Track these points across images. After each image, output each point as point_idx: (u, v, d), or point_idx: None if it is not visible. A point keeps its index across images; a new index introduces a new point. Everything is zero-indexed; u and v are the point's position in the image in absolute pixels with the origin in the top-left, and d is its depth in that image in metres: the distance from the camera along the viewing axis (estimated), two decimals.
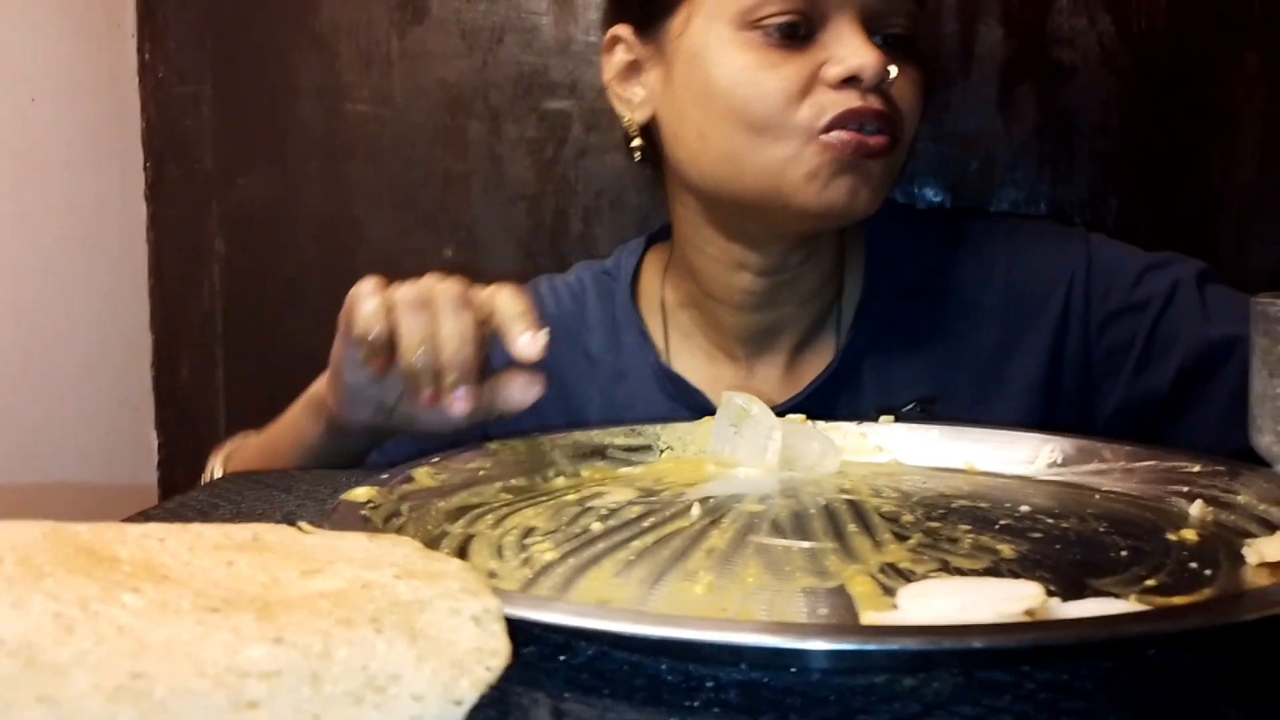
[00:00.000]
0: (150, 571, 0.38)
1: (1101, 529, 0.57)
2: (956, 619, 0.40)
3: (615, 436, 0.76)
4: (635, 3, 0.86)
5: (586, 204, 1.31)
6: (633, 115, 0.88)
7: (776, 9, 0.79)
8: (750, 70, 0.79)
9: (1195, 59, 1.19)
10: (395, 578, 0.39)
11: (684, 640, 0.36)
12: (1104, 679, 0.38)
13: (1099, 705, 0.36)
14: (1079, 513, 0.60)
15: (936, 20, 1.22)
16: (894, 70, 0.79)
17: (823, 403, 0.88)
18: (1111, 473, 0.68)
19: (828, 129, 0.78)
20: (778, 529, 0.57)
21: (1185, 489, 0.63)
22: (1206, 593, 0.47)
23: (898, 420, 0.78)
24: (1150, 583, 0.48)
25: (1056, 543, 0.54)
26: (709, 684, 0.38)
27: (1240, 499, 0.59)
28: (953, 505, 0.62)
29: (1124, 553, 0.53)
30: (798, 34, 0.79)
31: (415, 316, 0.67)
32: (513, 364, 0.69)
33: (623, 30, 0.88)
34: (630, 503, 0.63)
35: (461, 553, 0.54)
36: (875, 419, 0.78)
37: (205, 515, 0.63)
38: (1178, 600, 0.46)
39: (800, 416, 0.77)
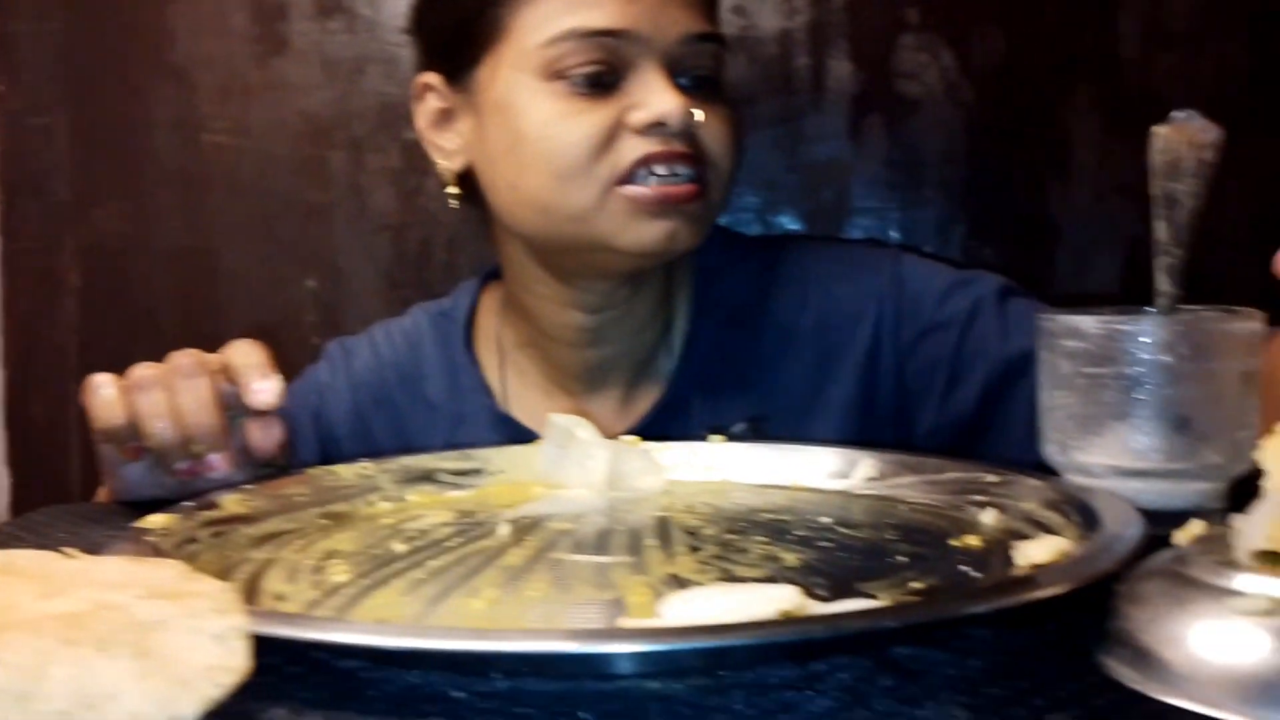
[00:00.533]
0: None
1: (891, 538, 0.59)
2: (702, 622, 0.41)
3: (445, 461, 0.76)
4: (443, 52, 0.87)
5: (451, 234, 1.32)
6: (448, 163, 0.89)
7: (580, 59, 0.80)
8: (556, 120, 0.80)
9: (1033, 93, 1.25)
10: (138, 599, 0.39)
11: (398, 649, 0.37)
12: (847, 676, 0.39)
13: (841, 704, 0.38)
14: (875, 523, 0.62)
15: (787, 56, 1.25)
16: (699, 114, 0.81)
17: (656, 435, 0.89)
18: (918, 485, 0.70)
19: (630, 177, 0.80)
20: (578, 546, 0.58)
21: (981, 498, 0.65)
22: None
23: (728, 440, 0.80)
24: (917, 585, 0.50)
25: (842, 551, 0.56)
26: (454, 694, 0.38)
27: (1025, 506, 0.62)
28: (757, 519, 0.64)
29: (903, 559, 0.55)
30: (602, 82, 0.80)
31: (149, 395, 0.68)
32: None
33: (432, 79, 0.88)
34: (442, 524, 0.64)
35: (257, 578, 0.54)
36: (705, 439, 0.79)
37: (3, 545, 0.62)
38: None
39: (634, 438, 0.78)
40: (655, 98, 0.80)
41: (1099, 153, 1.25)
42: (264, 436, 0.71)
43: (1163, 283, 0.58)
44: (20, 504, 1.35)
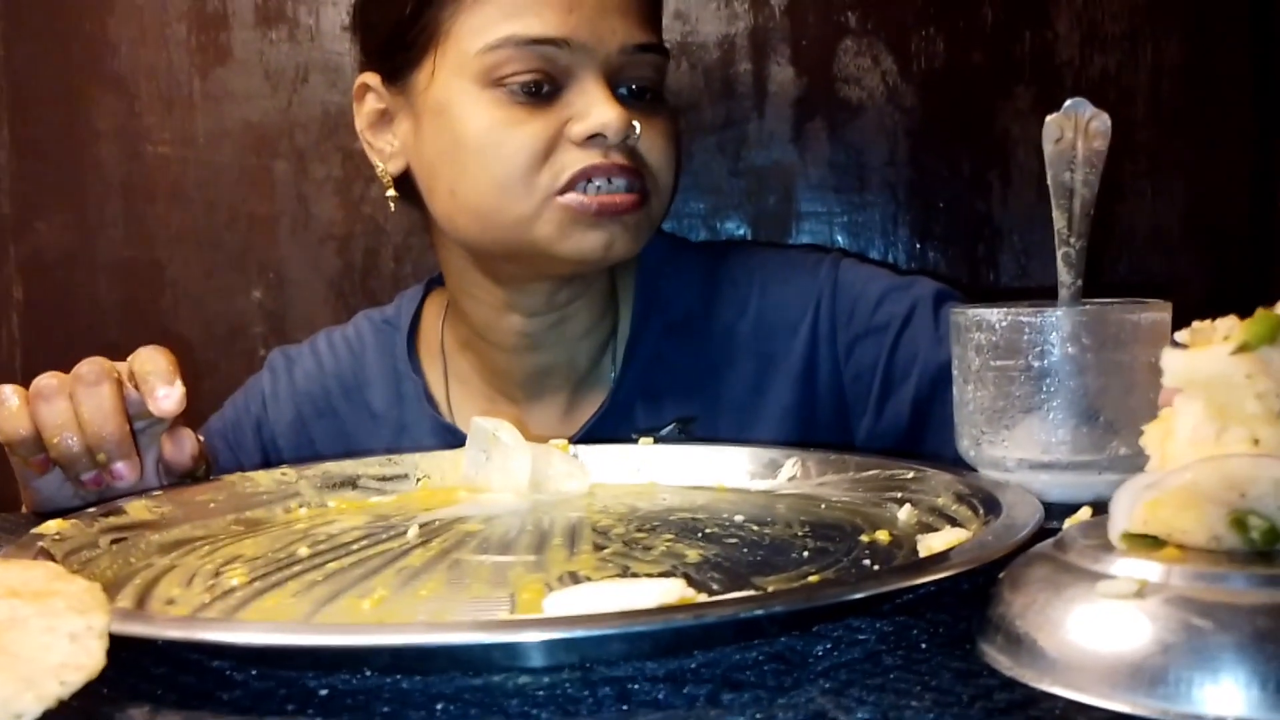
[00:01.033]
0: None
1: (801, 534, 0.59)
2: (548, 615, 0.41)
3: (370, 467, 0.76)
4: (382, 52, 0.86)
5: (396, 243, 1.31)
6: (386, 166, 0.88)
7: (519, 67, 0.79)
8: (495, 129, 0.80)
9: (973, 95, 1.25)
10: None
11: (247, 645, 0.36)
12: (721, 665, 0.39)
13: (711, 692, 0.37)
14: (789, 519, 0.62)
15: (729, 61, 1.26)
16: (638, 126, 0.80)
17: (599, 441, 0.89)
18: (841, 483, 0.70)
19: (568, 188, 0.79)
20: (483, 546, 0.58)
21: (899, 495, 0.65)
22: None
23: (656, 442, 0.79)
24: (813, 579, 0.50)
25: (746, 547, 0.56)
26: (320, 691, 0.38)
27: (938, 501, 0.62)
28: (671, 518, 0.63)
29: (806, 554, 0.54)
30: (542, 92, 0.80)
31: (52, 405, 0.66)
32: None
33: (371, 79, 0.87)
34: (352, 528, 0.63)
35: (154, 583, 0.53)
36: (635, 441, 0.79)
37: None
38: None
39: (562, 441, 0.78)
40: (595, 109, 0.79)
41: (1039, 153, 1.25)
42: (175, 450, 0.70)
43: (1064, 273, 0.58)
44: None
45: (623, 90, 0.83)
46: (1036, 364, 0.60)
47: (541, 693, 0.37)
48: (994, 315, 0.60)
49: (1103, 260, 1.26)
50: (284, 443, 1.00)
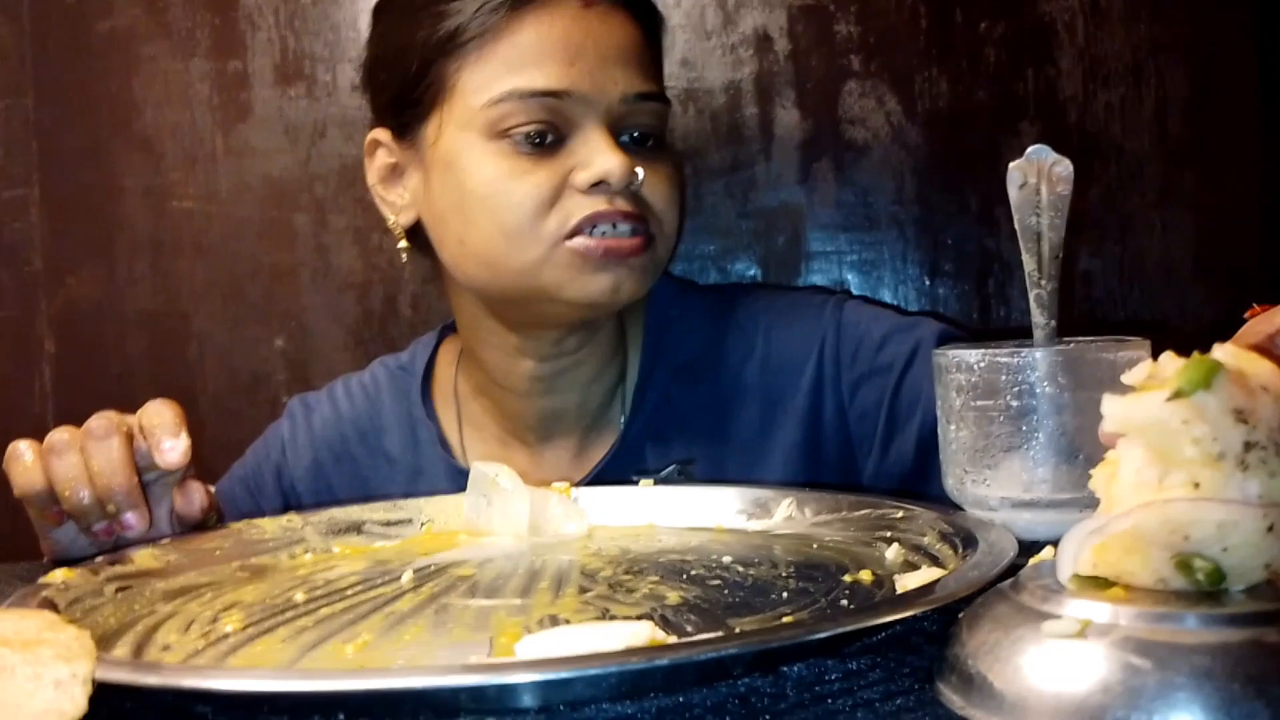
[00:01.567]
0: None
1: (785, 574, 0.60)
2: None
3: (374, 512, 0.78)
4: (391, 109, 0.89)
5: (414, 291, 1.34)
6: (397, 218, 0.91)
7: (523, 119, 0.82)
8: (501, 179, 0.82)
9: (978, 132, 1.26)
10: None
11: (214, 691, 0.38)
12: (683, 707, 0.40)
13: None
14: (776, 560, 0.63)
15: (735, 106, 1.28)
16: (641, 172, 0.83)
17: (610, 483, 0.90)
18: (835, 523, 0.71)
19: (575, 233, 0.82)
20: (472, 590, 0.59)
21: (889, 534, 0.66)
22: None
23: (656, 484, 0.81)
24: (787, 619, 0.51)
25: (727, 589, 0.57)
26: None
27: (925, 539, 0.62)
28: (660, 560, 0.64)
29: (786, 594, 0.55)
30: (546, 141, 0.82)
31: (64, 459, 0.69)
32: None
33: (382, 134, 0.90)
34: (350, 574, 0.65)
35: (154, 630, 0.55)
36: (635, 483, 0.80)
37: None
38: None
39: (563, 485, 0.79)
40: (598, 157, 0.82)
41: None
42: (185, 503, 0.72)
43: (1037, 315, 0.59)
44: None
45: (625, 138, 0.85)
46: (1015, 404, 0.60)
47: None
48: (972, 356, 0.61)
49: (1114, 294, 1.26)
50: (303, 488, 1.02)
